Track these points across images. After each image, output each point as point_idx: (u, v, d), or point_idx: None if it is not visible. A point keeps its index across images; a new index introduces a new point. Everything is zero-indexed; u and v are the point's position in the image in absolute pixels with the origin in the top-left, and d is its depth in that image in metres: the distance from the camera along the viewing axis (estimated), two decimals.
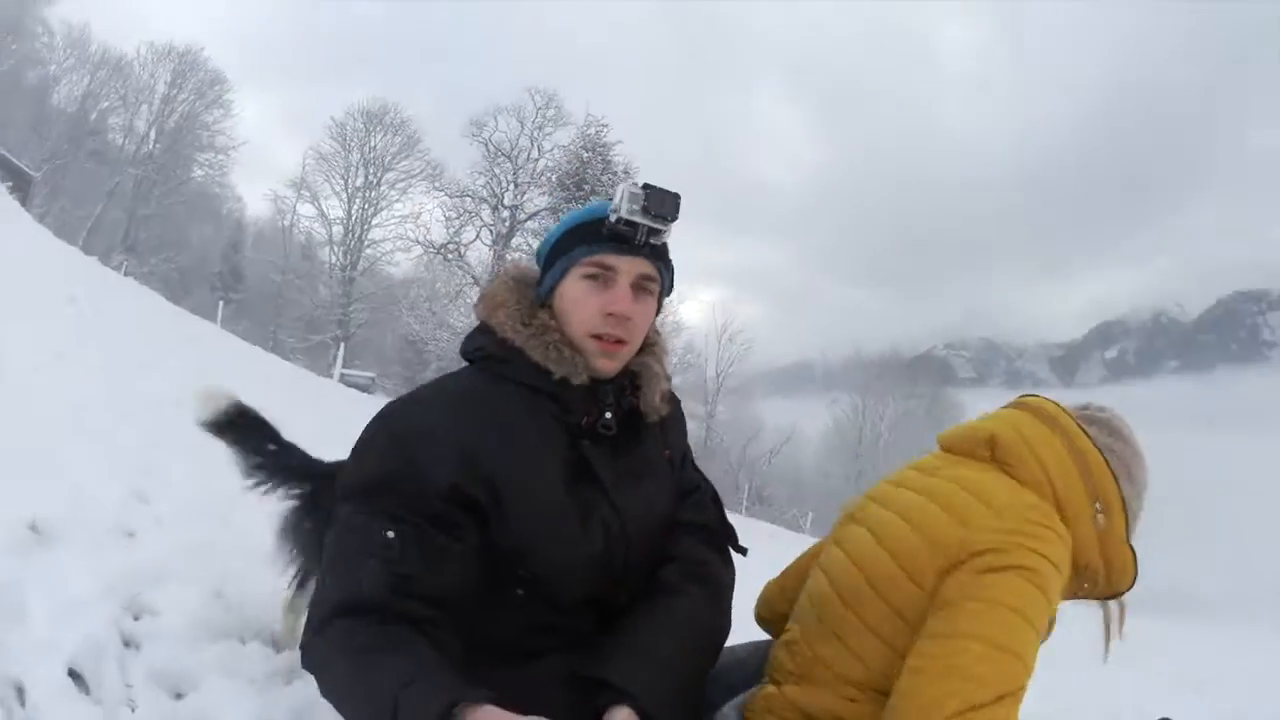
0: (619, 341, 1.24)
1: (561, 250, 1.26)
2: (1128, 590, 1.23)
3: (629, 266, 1.23)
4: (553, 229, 1.30)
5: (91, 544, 2.03)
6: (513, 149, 27.44)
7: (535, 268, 1.33)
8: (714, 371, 33.63)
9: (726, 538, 1.39)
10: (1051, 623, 1.14)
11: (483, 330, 1.29)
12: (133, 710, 1.58)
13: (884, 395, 38.87)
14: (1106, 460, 1.22)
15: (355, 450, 1.20)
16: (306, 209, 32.56)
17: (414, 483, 1.11)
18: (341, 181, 32.04)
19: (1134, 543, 1.24)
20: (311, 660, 1.07)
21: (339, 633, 1.03)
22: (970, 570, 1.08)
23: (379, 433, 1.19)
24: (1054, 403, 1.31)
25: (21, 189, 19.61)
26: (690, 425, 1.61)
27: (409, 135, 32.35)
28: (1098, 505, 1.19)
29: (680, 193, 1.22)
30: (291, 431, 2.09)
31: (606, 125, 26.43)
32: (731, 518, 1.44)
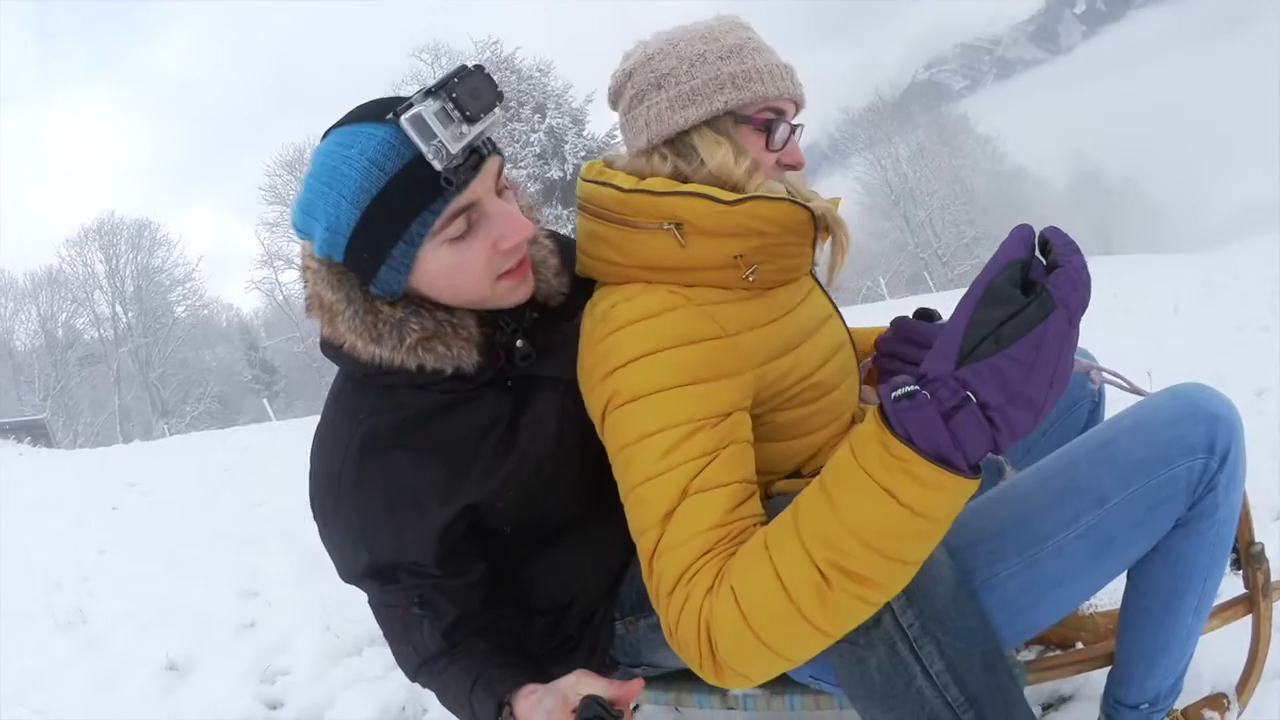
0: (522, 263, 1.02)
1: (381, 239, 0.91)
2: (820, 217, 1.04)
3: (485, 183, 0.94)
4: (319, 219, 0.92)
5: (222, 643, 2.37)
6: None
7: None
8: None
9: None
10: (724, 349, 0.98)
11: (332, 347, 1.02)
12: None
13: (889, 141, 38.37)
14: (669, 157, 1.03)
15: (333, 528, 1.09)
16: (287, 275, 32.72)
17: (415, 556, 1.07)
18: None
19: None
20: (420, 685, 1.17)
21: (426, 673, 1.12)
22: (602, 433, 1.00)
23: (347, 521, 1.07)
24: (584, 176, 1.10)
25: (42, 436, 20.14)
26: None
27: None
28: (665, 225, 0.99)
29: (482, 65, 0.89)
30: None
31: (496, 41, 26.06)
32: None
